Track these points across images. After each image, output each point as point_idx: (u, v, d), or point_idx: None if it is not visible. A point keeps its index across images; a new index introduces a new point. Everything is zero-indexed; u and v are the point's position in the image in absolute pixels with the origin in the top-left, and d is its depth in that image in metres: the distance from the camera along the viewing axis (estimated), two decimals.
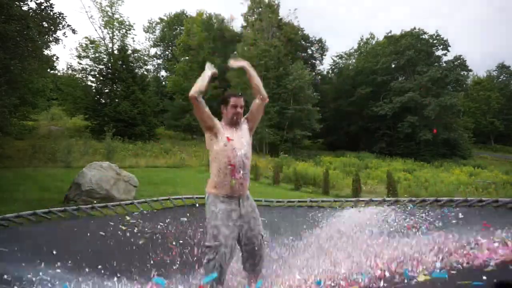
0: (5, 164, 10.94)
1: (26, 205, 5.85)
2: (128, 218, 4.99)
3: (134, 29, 24.12)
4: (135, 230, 4.37)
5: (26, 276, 2.59)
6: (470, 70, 31.78)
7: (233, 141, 2.46)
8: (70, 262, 3.09)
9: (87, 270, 2.83)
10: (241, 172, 2.44)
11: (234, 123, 2.56)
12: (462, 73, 29.87)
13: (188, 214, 5.20)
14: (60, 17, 10.37)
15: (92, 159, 10.74)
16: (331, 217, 4.61)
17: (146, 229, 4.46)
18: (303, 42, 35.21)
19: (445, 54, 30.73)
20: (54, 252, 3.48)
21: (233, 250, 2.38)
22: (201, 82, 2.58)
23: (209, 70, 2.71)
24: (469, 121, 32.94)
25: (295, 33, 31.13)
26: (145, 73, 26.91)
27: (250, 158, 2.57)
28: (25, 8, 9.62)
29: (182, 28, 33.88)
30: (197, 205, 6.19)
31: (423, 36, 30.61)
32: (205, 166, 14.11)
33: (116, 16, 23.14)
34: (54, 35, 10.78)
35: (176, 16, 37.81)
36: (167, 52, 39.80)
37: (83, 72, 22.34)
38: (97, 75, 21.96)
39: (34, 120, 18.01)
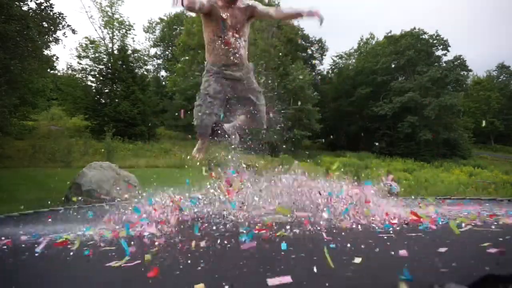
0: (5, 164, 10.94)
1: (26, 205, 5.85)
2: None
3: (134, 29, 24.15)
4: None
5: None
6: (470, 70, 31.77)
7: (228, 20, 2.49)
8: None
9: None
10: (236, 44, 2.52)
11: (228, 3, 2.52)
12: (462, 73, 29.85)
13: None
14: (60, 17, 10.38)
15: (92, 159, 10.73)
16: None
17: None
18: (303, 42, 35.19)
19: (445, 54, 30.72)
20: None
21: (221, 104, 2.58)
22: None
23: None
24: (469, 121, 32.93)
25: (295, 33, 31.11)
26: (145, 73, 26.91)
27: (246, 34, 2.62)
28: (25, 8, 9.64)
29: (182, 28, 33.85)
30: None
31: (423, 36, 30.59)
32: (205, 166, 14.11)
33: (116, 16, 23.16)
34: (54, 35, 10.79)
35: (176, 16, 37.77)
36: (167, 52, 39.78)
37: (83, 72, 22.35)
38: (97, 75, 21.95)
39: (34, 120, 18.00)
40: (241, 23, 2.58)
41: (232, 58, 2.55)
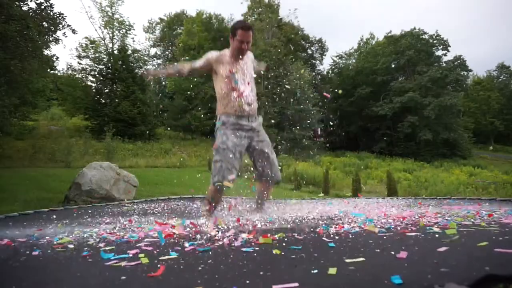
0: (5, 164, 10.93)
1: (26, 205, 5.85)
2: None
3: (134, 29, 24.17)
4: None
5: None
6: (470, 70, 31.81)
7: (236, 73, 2.55)
8: None
9: None
10: (246, 93, 2.55)
11: (237, 56, 2.59)
12: (462, 73, 29.89)
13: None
14: (60, 17, 10.37)
15: (92, 159, 10.75)
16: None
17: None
18: (303, 42, 35.23)
19: (445, 54, 30.78)
20: None
21: (240, 158, 2.52)
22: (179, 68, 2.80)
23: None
24: (469, 121, 32.95)
25: (295, 33, 31.15)
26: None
27: (255, 87, 2.69)
28: (25, 8, 9.63)
29: (182, 28, 33.89)
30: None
31: (423, 36, 30.63)
32: (205, 166, 14.12)
33: (116, 16, 23.16)
34: (54, 35, 10.78)
35: (176, 16, 37.82)
36: (167, 52, 39.81)
37: (83, 72, 22.35)
38: (97, 75, 21.96)
39: (34, 120, 18.01)
40: (250, 74, 2.65)
41: (247, 109, 2.55)
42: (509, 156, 30.52)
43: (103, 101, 21.17)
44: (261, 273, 1.08)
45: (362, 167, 18.53)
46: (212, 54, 2.63)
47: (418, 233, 1.56)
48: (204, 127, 23.71)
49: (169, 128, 24.96)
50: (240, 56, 2.57)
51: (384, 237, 1.52)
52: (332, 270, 1.03)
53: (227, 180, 2.40)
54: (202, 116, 23.52)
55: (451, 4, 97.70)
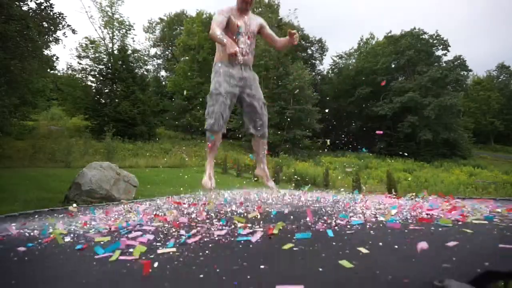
0: (5, 164, 10.93)
1: (26, 205, 5.85)
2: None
3: (134, 29, 24.17)
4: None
5: None
6: (470, 70, 31.80)
7: (240, 27, 2.75)
8: None
9: None
10: (246, 49, 2.78)
11: (243, 10, 2.82)
12: (462, 73, 29.88)
13: None
14: (60, 17, 10.37)
15: (92, 159, 10.74)
16: None
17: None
18: (303, 42, 35.23)
19: (445, 54, 30.77)
20: None
21: (231, 104, 2.73)
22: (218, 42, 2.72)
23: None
24: (469, 121, 32.95)
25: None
26: (145, 73, 26.91)
27: (254, 43, 2.89)
28: (25, 8, 9.63)
29: (182, 28, 33.87)
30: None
31: (423, 36, 30.63)
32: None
33: (116, 16, 23.16)
34: (54, 35, 10.78)
35: (176, 16, 37.81)
36: (167, 52, 39.80)
37: (83, 72, 22.35)
38: (97, 75, 21.96)
39: (34, 120, 18.01)
40: (253, 32, 2.85)
41: (240, 58, 2.72)
42: (509, 156, 30.51)
43: (103, 101, 21.18)
44: (262, 267, 1.07)
45: (360, 164, 18.54)
46: (223, 9, 2.79)
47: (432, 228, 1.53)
48: (204, 127, 23.68)
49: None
50: (246, 9, 2.80)
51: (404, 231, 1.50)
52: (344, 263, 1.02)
53: (217, 129, 2.65)
54: (202, 116, 23.51)
55: (451, 4, 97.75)
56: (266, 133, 3.00)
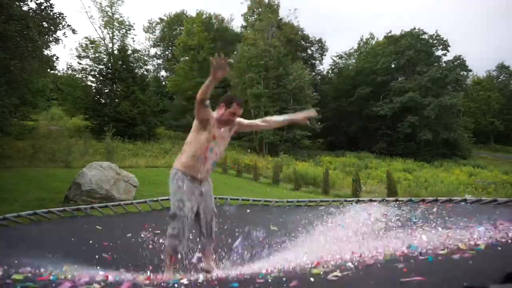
0: (5, 164, 10.93)
1: (26, 205, 5.85)
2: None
3: (134, 29, 24.15)
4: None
5: (27, 276, 2.58)
6: (470, 70, 31.83)
7: (217, 139, 2.71)
8: (70, 261, 3.09)
9: (86, 269, 2.82)
10: (211, 163, 2.76)
11: (224, 124, 2.75)
12: (462, 73, 29.90)
13: None
14: (60, 17, 10.37)
15: (92, 159, 10.74)
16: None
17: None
18: (303, 42, 35.24)
19: (445, 54, 30.79)
20: (54, 252, 3.47)
21: (192, 221, 2.73)
22: (207, 87, 2.51)
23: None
24: (469, 121, 32.96)
25: (295, 33, 31.15)
26: (145, 73, 26.91)
27: (223, 155, 2.91)
28: (25, 8, 9.64)
29: (182, 28, 33.88)
30: None
31: (423, 36, 30.64)
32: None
33: (116, 16, 23.16)
34: (54, 35, 10.78)
35: (176, 16, 37.81)
36: (167, 52, 39.81)
37: (83, 72, 22.34)
38: (97, 75, 21.96)
39: (34, 120, 18.01)
40: (225, 142, 2.82)
41: (203, 175, 2.73)
42: (509, 156, 30.51)
43: (103, 101, 21.18)
44: None
45: (360, 164, 18.54)
46: (211, 111, 2.70)
47: None
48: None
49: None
50: (227, 125, 2.75)
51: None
52: None
53: (181, 250, 2.63)
54: None
55: (451, 4, 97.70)
56: (213, 239, 2.93)
